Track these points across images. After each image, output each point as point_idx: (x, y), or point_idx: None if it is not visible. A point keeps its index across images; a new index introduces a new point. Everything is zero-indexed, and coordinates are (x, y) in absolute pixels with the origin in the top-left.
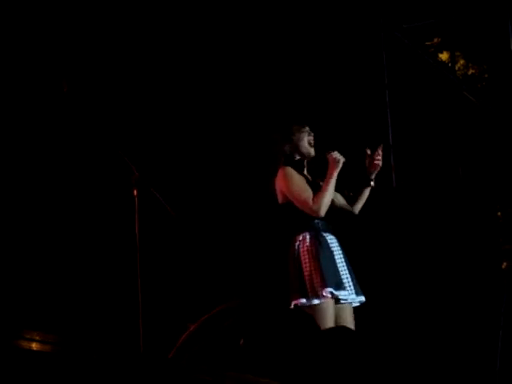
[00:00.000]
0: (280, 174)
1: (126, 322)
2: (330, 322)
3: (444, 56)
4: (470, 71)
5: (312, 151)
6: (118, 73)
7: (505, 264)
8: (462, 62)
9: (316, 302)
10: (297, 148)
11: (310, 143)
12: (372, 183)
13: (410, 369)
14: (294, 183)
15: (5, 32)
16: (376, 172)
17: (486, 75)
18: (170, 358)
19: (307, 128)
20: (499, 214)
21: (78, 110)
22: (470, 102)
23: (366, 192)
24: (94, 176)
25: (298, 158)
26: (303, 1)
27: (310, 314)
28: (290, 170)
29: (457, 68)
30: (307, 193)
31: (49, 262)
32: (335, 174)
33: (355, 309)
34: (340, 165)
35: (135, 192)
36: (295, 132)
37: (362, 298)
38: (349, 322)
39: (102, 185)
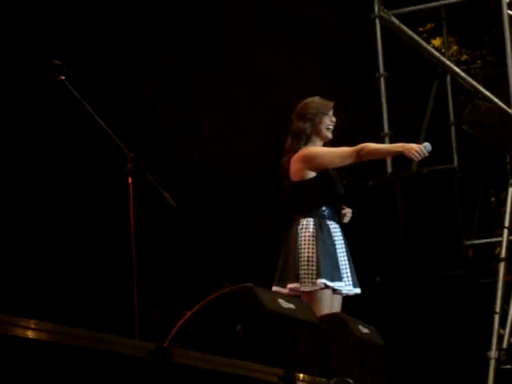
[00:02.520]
0: (303, 152)
1: (121, 310)
2: (325, 310)
3: (437, 42)
4: (464, 57)
5: (330, 135)
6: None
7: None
8: (455, 47)
9: (308, 289)
10: (316, 130)
11: (328, 128)
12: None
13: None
14: (325, 150)
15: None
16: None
17: (479, 61)
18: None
19: (331, 112)
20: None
21: (72, 97)
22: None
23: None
24: (88, 164)
25: (313, 139)
26: None
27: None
28: (314, 149)
29: (450, 54)
30: (341, 148)
31: (44, 250)
32: (392, 152)
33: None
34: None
35: (130, 180)
36: (319, 113)
37: (358, 290)
38: (337, 310)
39: (96, 173)
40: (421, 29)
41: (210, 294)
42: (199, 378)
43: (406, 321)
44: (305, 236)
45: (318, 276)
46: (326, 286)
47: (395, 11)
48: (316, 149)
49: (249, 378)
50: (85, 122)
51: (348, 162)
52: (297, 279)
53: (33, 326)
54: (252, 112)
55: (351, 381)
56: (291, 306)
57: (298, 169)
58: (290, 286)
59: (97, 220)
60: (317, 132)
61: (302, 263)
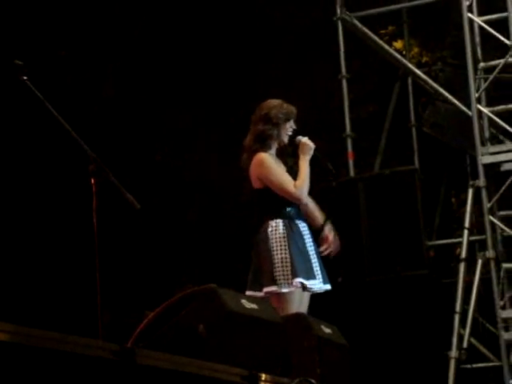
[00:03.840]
0: (257, 160)
1: (84, 310)
2: (294, 309)
3: (398, 44)
4: (424, 59)
5: (286, 140)
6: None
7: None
8: (416, 50)
9: (285, 290)
10: (278, 135)
11: (287, 134)
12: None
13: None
14: (273, 171)
15: None
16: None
17: (439, 63)
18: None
19: (293, 120)
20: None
21: (34, 97)
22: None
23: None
24: (51, 164)
25: (272, 143)
26: None
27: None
28: (268, 158)
29: (411, 56)
30: (287, 180)
31: (5, 251)
32: (308, 159)
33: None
34: (311, 150)
35: (93, 181)
36: (284, 118)
37: (328, 287)
38: (305, 307)
39: (59, 174)
40: (382, 31)
41: (172, 295)
42: (163, 379)
43: (369, 321)
44: (276, 238)
45: (294, 276)
46: (302, 285)
47: (358, 14)
48: (268, 163)
49: (212, 378)
50: (47, 122)
51: (286, 196)
52: (273, 282)
53: None
54: (215, 111)
55: (313, 381)
56: (254, 306)
57: (256, 177)
58: (266, 289)
59: (59, 221)
60: (278, 136)
61: (277, 265)
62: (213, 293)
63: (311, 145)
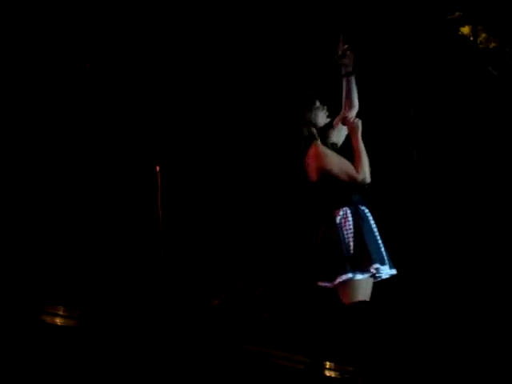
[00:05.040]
0: (312, 153)
1: (150, 298)
2: (361, 296)
3: (466, 30)
4: (492, 45)
5: (329, 120)
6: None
7: None
8: (483, 35)
9: (360, 277)
10: (316, 125)
11: (326, 115)
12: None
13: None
14: (331, 160)
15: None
16: (351, 61)
17: (508, 49)
18: (194, 333)
19: (318, 103)
20: None
21: (100, 87)
22: (492, 76)
23: (353, 83)
24: (117, 154)
25: (317, 132)
26: None
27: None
28: (322, 148)
29: (479, 42)
30: (348, 165)
31: (73, 239)
32: (360, 137)
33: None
34: (360, 126)
35: (158, 168)
36: (307, 113)
37: (394, 272)
38: (369, 295)
39: (124, 162)
40: (449, 17)
41: (235, 285)
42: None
43: None
44: (346, 225)
45: (371, 262)
46: (378, 271)
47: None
48: (324, 154)
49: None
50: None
51: (352, 181)
52: (347, 270)
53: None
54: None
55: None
56: None
57: (314, 169)
58: (340, 278)
59: (125, 210)
60: (316, 126)
61: (352, 253)
62: (277, 282)
63: (357, 121)
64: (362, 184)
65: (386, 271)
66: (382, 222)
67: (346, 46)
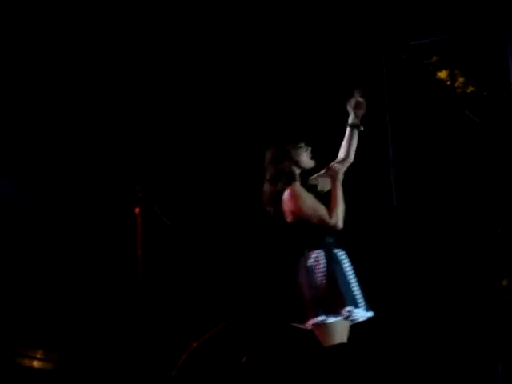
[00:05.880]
0: (288, 194)
1: (128, 341)
2: (338, 339)
3: (443, 74)
4: (470, 89)
5: (312, 163)
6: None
7: (505, 281)
8: (461, 79)
9: (332, 319)
10: (297, 163)
11: (309, 156)
12: (361, 127)
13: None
14: (305, 203)
15: None
16: (362, 115)
17: (485, 93)
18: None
19: (302, 144)
20: (499, 230)
21: (82, 123)
22: (469, 120)
23: (355, 135)
24: (96, 192)
25: (298, 172)
26: (304, 19)
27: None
28: (298, 189)
29: (456, 86)
30: (322, 209)
31: (51, 279)
32: (339, 185)
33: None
34: (341, 174)
35: (137, 210)
36: (291, 150)
37: (371, 314)
38: (346, 337)
39: (104, 202)
40: (426, 61)
41: (216, 326)
42: None
43: None
44: (319, 268)
45: (343, 305)
46: (349, 315)
47: (402, 44)
48: (299, 195)
49: None
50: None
51: (324, 226)
52: (319, 313)
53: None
54: None
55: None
56: None
57: (289, 210)
58: (312, 321)
59: (103, 250)
60: (298, 165)
61: (324, 295)
62: (255, 324)
63: (339, 169)
64: (335, 229)
65: (361, 314)
66: (362, 265)
67: (363, 100)
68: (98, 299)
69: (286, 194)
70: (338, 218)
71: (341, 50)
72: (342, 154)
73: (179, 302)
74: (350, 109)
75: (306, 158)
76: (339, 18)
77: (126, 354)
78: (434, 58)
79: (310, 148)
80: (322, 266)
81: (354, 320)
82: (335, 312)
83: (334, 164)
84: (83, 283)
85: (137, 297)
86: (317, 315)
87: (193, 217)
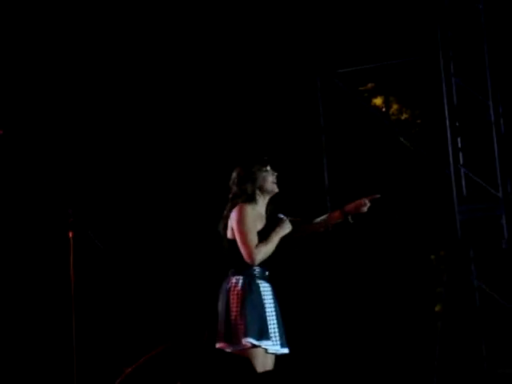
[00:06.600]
0: (236, 209)
1: (60, 367)
2: (258, 367)
3: (378, 101)
4: (404, 116)
5: (275, 188)
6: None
7: (438, 307)
8: (395, 106)
9: (234, 348)
10: (261, 187)
11: (273, 182)
12: (350, 219)
13: None
14: (244, 222)
15: None
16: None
17: (419, 120)
18: None
19: (269, 167)
20: (432, 257)
21: (12, 150)
22: (404, 147)
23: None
24: (29, 216)
25: (259, 196)
26: (240, 45)
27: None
28: (248, 211)
29: (391, 113)
30: (253, 238)
31: None
32: (281, 234)
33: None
34: (287, 230)
35: (71, 234)
36: (257, 172)
37: (286, 351)
38: (270, 366)
39: (37, 225)
40: (362, 88)
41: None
42: None
43: None
44: (233, 295)
45: (245, 335)
46: (253, 345)
47: (336, 71)
48: (244, 215)
49: None
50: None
51: (242, 251)
52: (224, 339)
53: None
54: None
55: None
56: None
57: (231, 226)
58: (218, 345)
59: (36, 274)
60: (261, 189)
61: (231, 322)
62: (188, 348)
63: (289, 225)
64: (248, 261)
65: (274, 348)
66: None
67: (369, 203)
68: (30, 321)
69: (235, 210)
70: (260, 253)
71: (277, 74)
72: (317, 220)
73: (112, 326)
74: (355, 206)
75: (269, 184)
76: (275, 42)
77: (59, 379)
78: (370, 85)
79: (275, 174)
80: (236, 292)
81: (268, 352)
82: (234, 341)
83: (285, 219)
84: (16, 304)
85: (69, 320)
86: (218, 341)
87: (124, 240)
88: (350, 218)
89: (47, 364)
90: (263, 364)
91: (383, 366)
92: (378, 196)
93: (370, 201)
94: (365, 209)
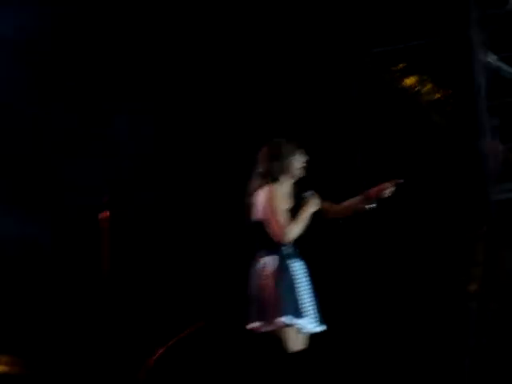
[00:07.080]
0: (266, 190)
1: (95, 347)
2: (291, 345)
3: (410, 80)
4: (437, 95)
5: (302, 172)
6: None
7: (473, 286)
8: (429, 86)
9: (268, 328)
10: (288, 169)
11: (301, 167)
12: (372, 205)
13: None
14: (275, 204)
15: None
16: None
17: (451, 100)
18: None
19: (299, 151)
20: (468, 235)
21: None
22: (437, 125)
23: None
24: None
25: (285, 178)
26: (278, 28)
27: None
28: (277, 191)
29: (423, 92)
30: (284, 218)
31: (16, 285)
32: (311, 211)
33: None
34: (316, 207)
35: (105, 215)
36: (285, 153)
37: (323, 328)
38: (301, 345)
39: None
40: (393, 68)
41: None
42: None
43: None
44: (266, 275)
45: (279, 314)
46: (286, 325)
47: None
48: (276, 197)
49: None
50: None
51: (275, 232)
52: (258, 319)
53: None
54: None
55: None
56: None
57: (262, 207)
58: (250, 326)
59: (70, 258)
60: (289, 171)
61: (264, 303)
62: (220, 328)
63: (317, 202)
64: (280, 241)
65: (309, 326)
66: (324, 277)
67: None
68: (64, 303)
69: (264, 191)
70: (293, 233)
71: (310, 55)
72: (343, 204)
73: (144, 308)
74: (377, 191)
75: (296, 168)
76: (308, 23)
77: (93, 358)
78: (401, 65)
79: (305, 158)
80: (268, 273)
81: (305, 331)
82: (267, 320)
83: (315, 196)
84: (49, 287)
85: (103, 301)
86: (254, 321)
87: (157, 220)
88: (372, 203)
89: (83, 344)
90: (295, 343)
91: (415, 346)
92: (402, 181)
93: (396, 185)
94: (388, 193)
